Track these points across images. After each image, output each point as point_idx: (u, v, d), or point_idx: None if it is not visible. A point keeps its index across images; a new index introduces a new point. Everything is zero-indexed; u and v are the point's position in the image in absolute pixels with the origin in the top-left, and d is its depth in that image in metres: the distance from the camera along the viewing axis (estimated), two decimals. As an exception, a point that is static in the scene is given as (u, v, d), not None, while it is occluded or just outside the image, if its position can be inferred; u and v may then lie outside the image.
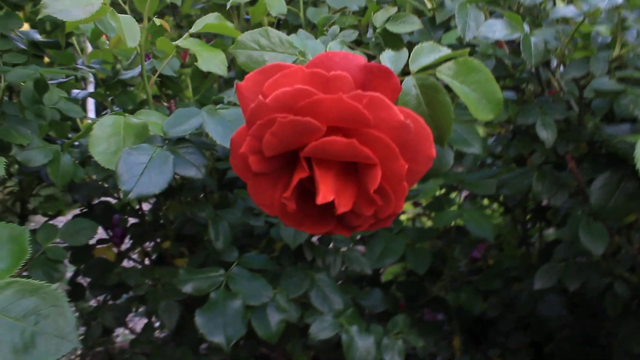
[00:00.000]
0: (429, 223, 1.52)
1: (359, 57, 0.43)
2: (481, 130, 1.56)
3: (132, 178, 0.53)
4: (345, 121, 0.41)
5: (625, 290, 0.69)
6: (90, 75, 1.02)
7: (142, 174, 0.53)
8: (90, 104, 2.25)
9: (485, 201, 1.34)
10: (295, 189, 0.43)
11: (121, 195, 0.85)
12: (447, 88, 0.48)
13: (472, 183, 0.83)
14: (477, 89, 0.48)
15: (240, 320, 0.56)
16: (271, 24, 1.03)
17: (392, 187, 0.43)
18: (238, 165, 0.46)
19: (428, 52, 0.48)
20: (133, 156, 0.54)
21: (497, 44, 0.65)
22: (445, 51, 0.48)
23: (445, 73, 0.47)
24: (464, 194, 1.20)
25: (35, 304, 0.41)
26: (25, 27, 1.01)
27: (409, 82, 0.47)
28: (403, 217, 1.62)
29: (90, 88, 1.62)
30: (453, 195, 1.07)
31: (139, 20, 0.70)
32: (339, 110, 0.40)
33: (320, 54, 0.44)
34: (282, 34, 0.54)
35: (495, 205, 1.34)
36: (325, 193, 0.41)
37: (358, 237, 1.14)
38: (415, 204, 1.47)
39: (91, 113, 2.43)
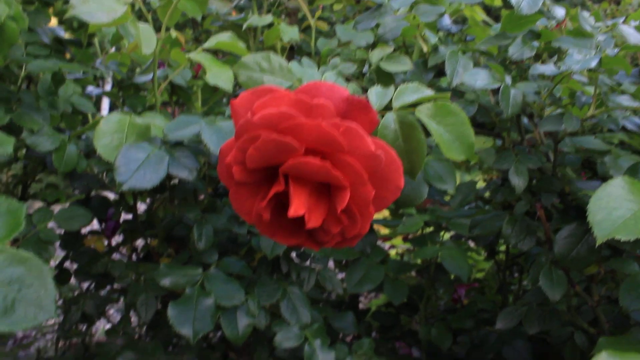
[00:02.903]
0: (418, 261, 1.55)
1: (343, 89, 0.48)
2: (479, 176, 1.60)
3: (128, 171, 0.57)
4: (322, 145, 0.45)
5: (585, 342, 0.71)
6: (110, 75, 1.07)
7: (138, 169, 0.57)
8: (105, 103, 2.32)
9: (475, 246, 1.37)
10: (271, 201, 0.47)
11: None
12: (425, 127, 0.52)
13: (450, 220, 0.86)
14: (452, 130, 0.51)
15: (210, 317, 0.60)
16: (284, 49, 1.08)
17: (359, 210, 0.46)
18: (223, 173, 0.50)
19: (411, 92, 0.52)
20: (132, 152, 0.58)
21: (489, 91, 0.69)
22: (428, 93, 0.52)
23: (423, 113, 0.51)
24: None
25: (21, 273, 0.45)
26: (53, 22, 1.07)
27: (390, 117, 0.51)
28: (392, 252, 1.65)
29: (108, 88, 1.67)
30: (443, 234, 1.10)
31: (160, 28, 0.75)
32: (317, 134, 0.44)
33: (309, 83, 0.48)
34: (282, 60, 0.58)
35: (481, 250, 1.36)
36: (296, 207, 0.45)
37: (343, 262, 1.17)
38: (405, 239, 1.50)
39: (104, 112, 2.49)
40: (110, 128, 0.65)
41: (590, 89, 0.68)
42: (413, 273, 1.35)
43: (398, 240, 1.63)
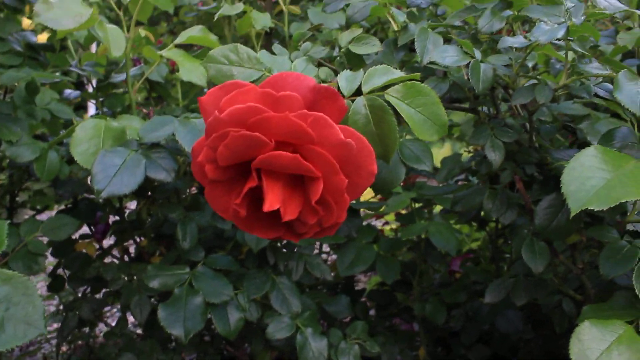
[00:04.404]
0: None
1: (310, 79, 0.47)
2: (465, 147, 1.60)
3: (106, 178, 0.57)
4: (292, 137, 0.45)
5: (573, 308, 0.72)
6: (94, 78, 1.06)
7: (115, 175, 0.57)
8: (92, 104, 2.29)
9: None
10: (246, 197, 0.47)
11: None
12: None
13: (436, 196, 0.86)
14: (424, 111, 0.51)
15: (200, 315, 0.60)
16: (259, 35, 1.08)
17: (334, 199, 0.46)
18: (197, 172, 0.50)
19: (380, 74, 0.52)
20: (108, 158, 0.58)
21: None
22: (397, 74, 0.52)
23: (393, 95, 0.51)
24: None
25: (7, 292, 0.45)
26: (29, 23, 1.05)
27: (360, 102, 0.51)
28: (387, 228, 1.65)
29: (91, 89, 1.66)
30: (434, 208, 1.10)
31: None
32: (285, 127, 0.44)
33: (275, 74, 0.48)
34: (250, 51, 0.58)
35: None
36: (271, 201, 0.45)
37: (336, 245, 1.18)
38: (398, 215, 1.51)
39: (91, 112, 2.44)
40: (86, 134, 0.64)
41: (562, 54, 0.68)
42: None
43: (391, 216, 1.63)
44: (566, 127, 0.87)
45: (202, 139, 0.49)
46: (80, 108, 1.69)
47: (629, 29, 0.89)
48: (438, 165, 1.11)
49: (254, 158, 0.45)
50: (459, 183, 1.08)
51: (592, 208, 0.44)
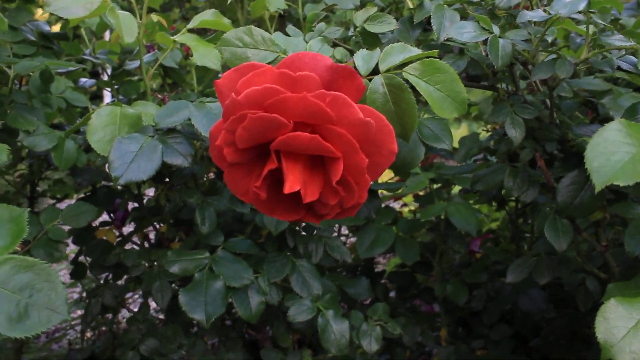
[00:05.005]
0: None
1: (326, 58, 0.47)
2: (482, 127, 1.58)
3: (123, 165, 0.57)
4: (310, 118, 0.44)
5: (597, 287, 0.71)
6: (106, 63, 1.06)
7: (132, 162, 0.57)
8: (107, 92, 2.30)
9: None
10: (266, 179, 0.47)
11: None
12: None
13: (455, 176, 0.86)
14: (442, 88, 0.50)
15: (221, 300, 0.60)
16: (272, 18, 1.06)
17: (354, 179, 0.46)
18: (215, 156, 0.50)
19: (397, 52, 0.51)
20: (125, 144, 0.58)
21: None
22: (415, 51, 0.51)
23: (411, 73, 0.50)
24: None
25: (30, 279, 0.46)
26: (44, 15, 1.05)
27: (378, 81, 0.50)
28: (405, 210, 1.65)
29: (105, 77, 1.67)
30: (453, 188, 1.09)
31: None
32: (303, 107, 0.44)
33: (291, 55, 0.48)
34: (264, 33, 0.57)
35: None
36: (292, 183, 0.45)
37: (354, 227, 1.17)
38: (416, 197, 1.50)
39: (107, 100, 2.46)
40: (102, 122, 0.64)
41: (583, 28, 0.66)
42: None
43: (410, 198, 1.62)
44: (586, 104, 0.85)
45: (219, 122, 0.49)
46: (96, 97, 1.70)
47: (651, 0, 0.87)
48: (456, 145, 1.10)
49: (273, 140, 0.45)
50: (477, 163, 1.06)
51: (617, 183, 0.43)
